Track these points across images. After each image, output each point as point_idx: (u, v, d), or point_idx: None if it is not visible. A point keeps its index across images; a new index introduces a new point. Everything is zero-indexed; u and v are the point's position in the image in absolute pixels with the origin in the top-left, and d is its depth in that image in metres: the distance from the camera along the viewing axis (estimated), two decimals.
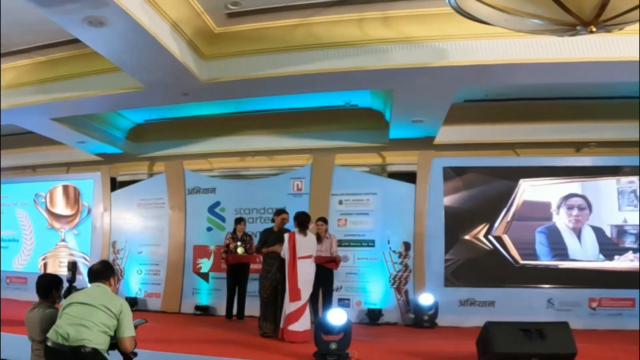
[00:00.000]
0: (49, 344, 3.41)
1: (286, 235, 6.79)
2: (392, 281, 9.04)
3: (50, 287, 4.10)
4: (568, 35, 3.97)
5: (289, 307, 6.59)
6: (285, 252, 6.72)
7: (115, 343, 3.56)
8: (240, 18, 6.07)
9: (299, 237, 6.75)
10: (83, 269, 9.28)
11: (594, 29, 3.68)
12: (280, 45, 6.17)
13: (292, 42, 6.11)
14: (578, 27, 3.70)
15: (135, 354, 3.66)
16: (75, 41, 6.15)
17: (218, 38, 6.41)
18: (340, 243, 8.95)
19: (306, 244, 6.81)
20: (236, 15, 6.01)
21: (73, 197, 11.17)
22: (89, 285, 3.76)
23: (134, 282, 10.21)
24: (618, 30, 4.03)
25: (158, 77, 6.39)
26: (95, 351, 3.37)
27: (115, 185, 10.89)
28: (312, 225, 7.31)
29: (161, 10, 5.48)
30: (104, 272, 3.79)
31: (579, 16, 3.57)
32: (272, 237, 7.20)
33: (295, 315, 6.56)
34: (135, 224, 10.43)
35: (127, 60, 6.05)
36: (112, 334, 3.51)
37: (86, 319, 3.41)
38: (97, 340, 3.40)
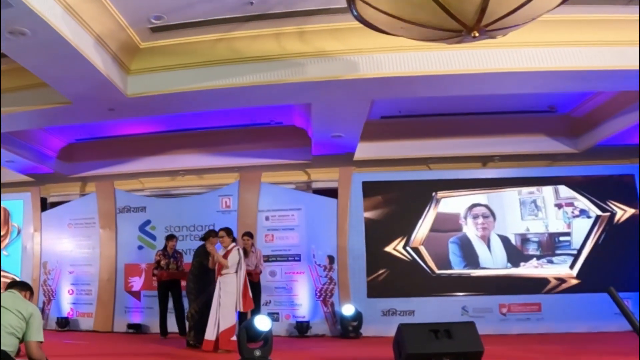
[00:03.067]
0: None
1: (240, 249, 6.95)
2: (318, 294, 9.31)
3: None
4: (455, 42, 4.43)
5: (233, 318, 6.70)
6: (241, 264, 6.84)
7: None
8: (164, 33, 6.19)
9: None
10: None
11: (477, 34, 4.09)
12: (202, 59, 6.31)
13: (214, 57, 6.28)
14: (463, 33, 4.17)
15: None
16: (1, 56, 6.04)
17: (143, 53, 6.47)
18: (268, 258, 9.21)
19: None
20: (160, 29, 6.14)
21: (2, 218, 10.86)
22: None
23: (65, 303, 10.04)
24: (502, 37, 4.54)
25: (83, 91, 6.34)
26: (3, 352, 3.36)
27: (46, 205, 10.78)
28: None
29: (84, 23, 5.48)
30: (20, 284, 3.88)
31: (463, 21, 4.03)
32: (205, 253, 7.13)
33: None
34: (66, 244, 10.31)
35: (51, 73, 5.98)
36: (20, 336, 3.49)
37: None
38: (5, 342, 3.38)
